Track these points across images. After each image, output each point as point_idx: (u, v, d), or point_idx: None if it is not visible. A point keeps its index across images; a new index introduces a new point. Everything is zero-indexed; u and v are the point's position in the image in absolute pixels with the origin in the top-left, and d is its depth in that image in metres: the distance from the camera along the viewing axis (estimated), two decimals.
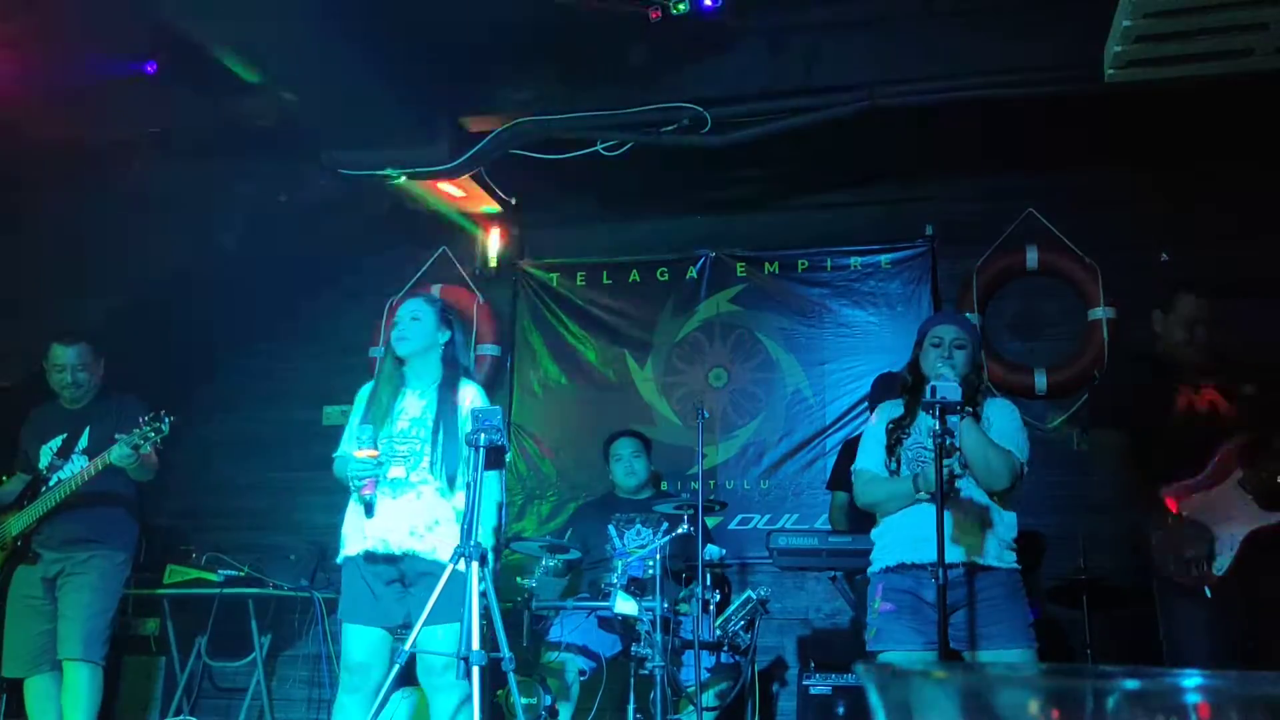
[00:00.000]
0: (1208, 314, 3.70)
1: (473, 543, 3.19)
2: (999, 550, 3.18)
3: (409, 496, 3.49)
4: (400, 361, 3.64)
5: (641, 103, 4.71)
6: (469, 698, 3.16)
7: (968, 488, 3.18)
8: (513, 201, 5.67)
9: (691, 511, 4.08)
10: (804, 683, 4.44)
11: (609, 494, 5.01)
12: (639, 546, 4.17)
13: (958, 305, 5.37)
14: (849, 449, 4.36)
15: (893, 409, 3.40)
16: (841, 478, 4.46)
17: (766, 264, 5.77)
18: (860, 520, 3.77)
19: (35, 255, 5.01)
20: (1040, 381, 5.23)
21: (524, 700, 3.51)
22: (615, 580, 3.96)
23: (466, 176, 5.17)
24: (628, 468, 4.89)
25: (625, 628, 4.10)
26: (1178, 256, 5.08)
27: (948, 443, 2.97)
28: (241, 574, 5.27)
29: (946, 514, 2.96)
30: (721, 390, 5.69)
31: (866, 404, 5.08)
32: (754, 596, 4.19)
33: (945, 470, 2.97)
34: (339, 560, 3.61)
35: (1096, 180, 5.40)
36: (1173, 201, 5.25)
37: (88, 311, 5.08)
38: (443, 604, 3.17)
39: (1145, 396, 3.69)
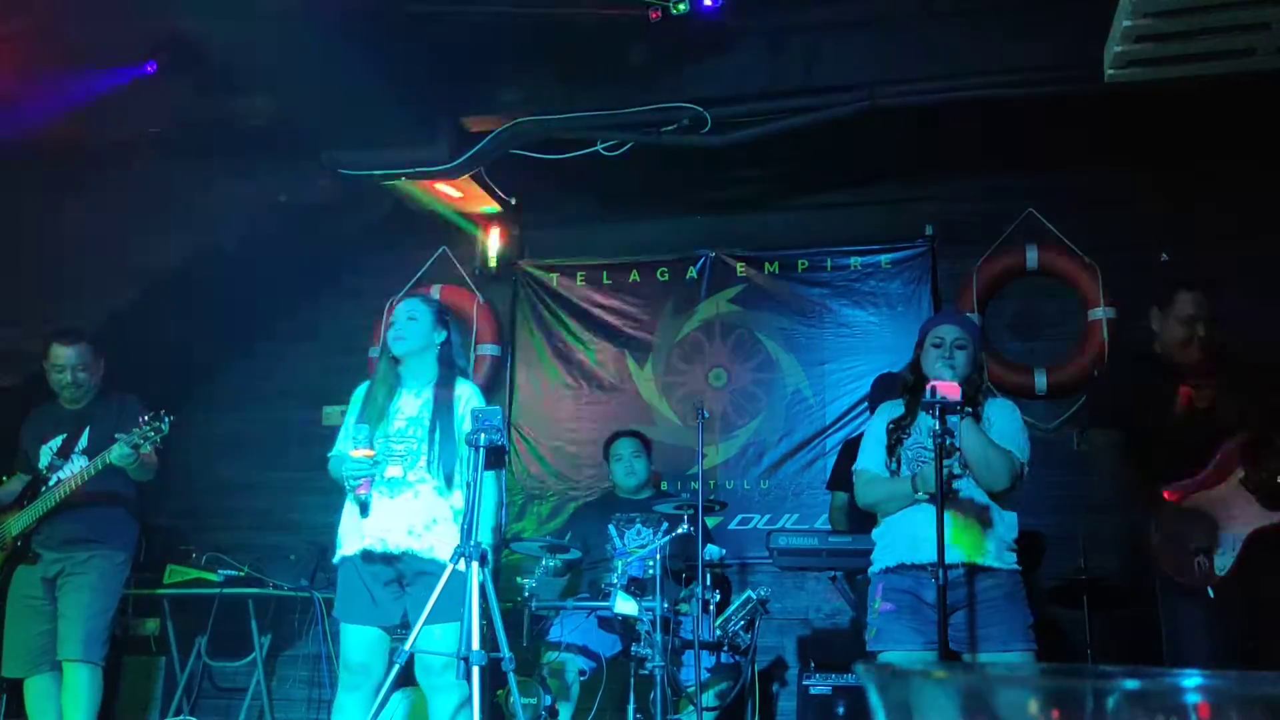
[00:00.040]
0: (1206, 311, 3.69)
1: (473, 542, 3.19)
2: (999, 550, 3.17)
3: (407, 496, 3.49)
4: (396, 361, 3.64)
5: (641, 103, 4.71)
6: (468, 699, 3.16)
7: (968, 488, 3.18)
8: (513, 201, 5.67)
9: (691, 511, 4.08)
10: (804, 683, 4.44)
11: (609, 494, 5.02)
12: (639, 546, 4.17)
13: (958, 305, 5.37)
14: (849, 449, 4.36)
15: (893, 409, 3.40)
16: (841, 478, 4.46)
17: (766, 264, 5.77)
18: (860, 520, 3.77)
19: (35, 255, 5.01)
20: (1040, 381, 5.23)
21: (524, 700, 3.51)
22: (615, 580, 3.96)
23: (466, 176, 5.17)
24: (628, 468, 4.90)
25: (625, 628, 4.10)
26: (1178, 256, 5.08)
27: (948, 443, 2.97)
28: (241, 574, 5.27)
29: (947, 514, 2.96)
30: (721, 390, 5.69)
31: (866, 404, 5.08)
32: (754, 596, 4.19)
33: (945, 470, 2.97)
34: (335, 560, 3.61)
35: (1096, 180, 5.40)
36: (1173, 201, 5.25)
37: (88, 311, 5.08)
38: (441, 604, 3.18)
39: (1145, 396, 3.69)
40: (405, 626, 3.44)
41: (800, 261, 5.71)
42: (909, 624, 3.14)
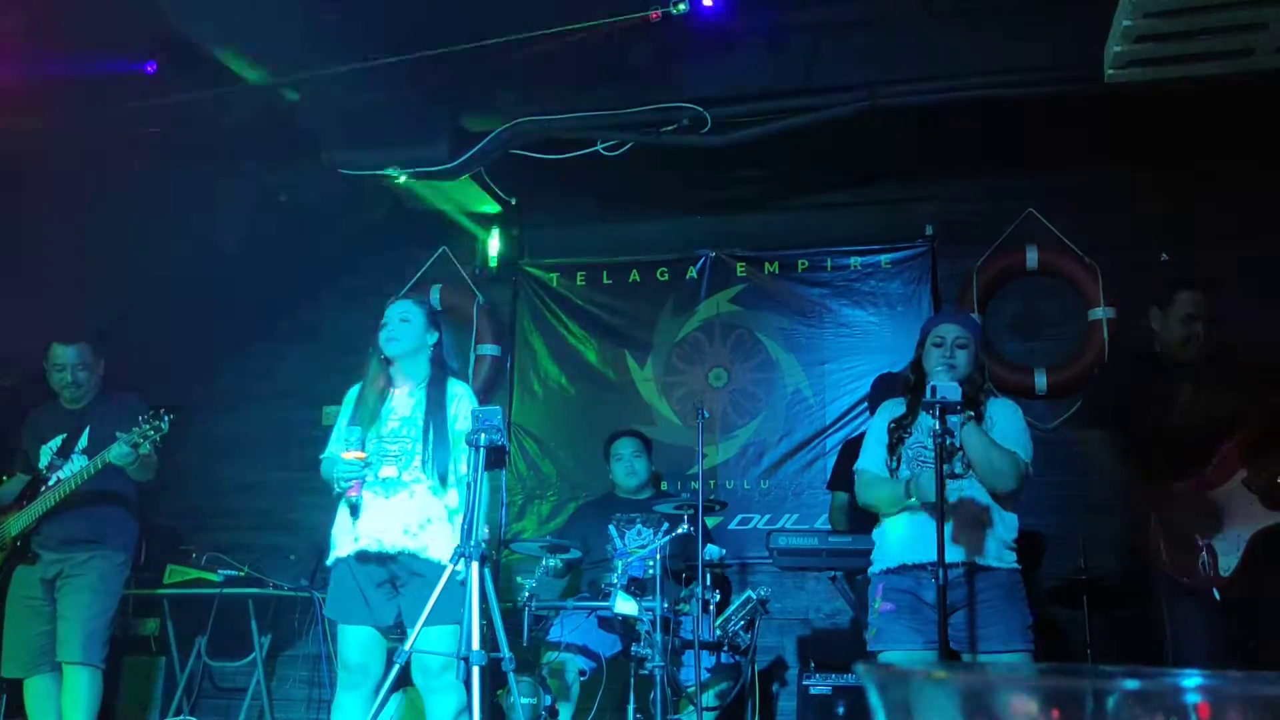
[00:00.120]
0: (1205, 310, 3.70)
1: (473, 543, 3.19)
2: (999, 550, 3.17)
3: (401, 496, 3.50)
4: (388, 362, 3.65)
5: (641, 103, 4.71)
6: (467, 700, 3.16)
7: (968, 488, 3.18)
8: (513, 201, 5.67)
9: (691, 511, 4.08)
10: (804, 683, 4.44)
11: (609, 494, 5.02)
12: (639, 546, 4.17)
13: (958, 305, 5.37)
14: (849, 449, 4.36)
15: (895, 408, 3.40)
16: (841, 478, 4.46)
17: (766, 264, 5.76)
18: (860, 520, 3.77)
19: (35, 255, 5.01)
20: (1040, 381, 5.23)
21: (524, 700, 3.51)
22: (615, 580, 3.96)
23: (466, 176, 5.17)
24: (628, 468, 4.90)
25: (625, 628, 4.10)
26: (1178, 256, 5.07)
27: (948, 443, 2.97)
28: (241, 574, 5.27)
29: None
30: (721, 390, 5.69)
31: (866, 404, 5.08)
32: (754, 596, 4.19)
33: (946, 470, 2.97)
34: (329, 562, 3.61)
35: (1096, 180, 5.40)
36: (1173, 201, 5.25)
37: (88, 311, 5.07)
38: (439, 605, 3.17)
39: (1145, 396, 3.69)
40: (399, 627, 3.44)
41: (800, 261, 5.71)
42: (909, 624, 3.15)
